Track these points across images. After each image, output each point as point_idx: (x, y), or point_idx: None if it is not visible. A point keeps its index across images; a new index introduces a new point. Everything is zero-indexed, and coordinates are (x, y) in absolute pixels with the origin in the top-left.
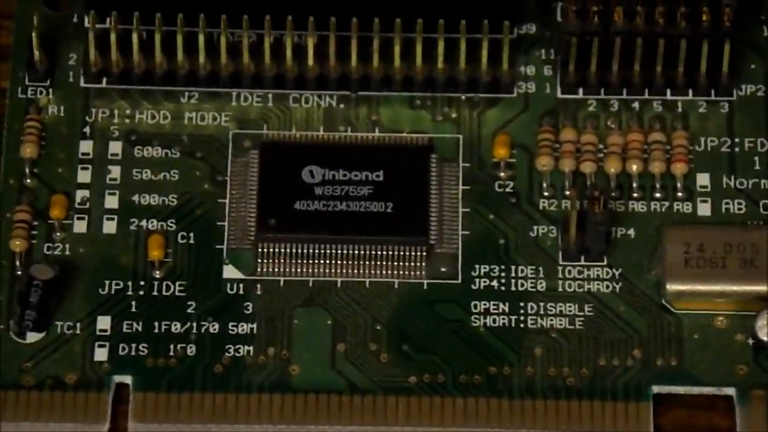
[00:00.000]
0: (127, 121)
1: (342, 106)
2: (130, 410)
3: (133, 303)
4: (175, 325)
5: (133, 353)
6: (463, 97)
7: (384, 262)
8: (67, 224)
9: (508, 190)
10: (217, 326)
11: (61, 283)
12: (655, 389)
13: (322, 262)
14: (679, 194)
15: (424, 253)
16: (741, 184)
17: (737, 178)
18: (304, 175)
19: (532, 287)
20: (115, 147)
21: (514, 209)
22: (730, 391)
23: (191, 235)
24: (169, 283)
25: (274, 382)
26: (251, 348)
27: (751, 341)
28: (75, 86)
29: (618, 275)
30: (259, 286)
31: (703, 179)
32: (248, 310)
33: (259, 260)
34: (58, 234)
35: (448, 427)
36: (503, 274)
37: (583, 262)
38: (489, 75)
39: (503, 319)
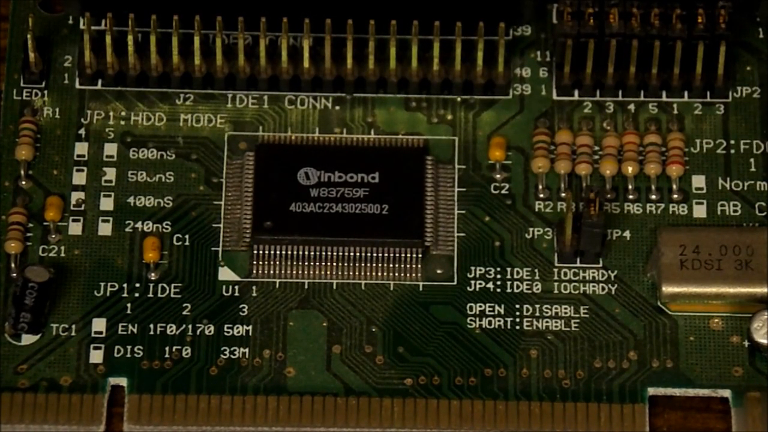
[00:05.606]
0: (122, 122)
1: (337, 107)
2: (126, 412)
3: (129, 305)
4: (171, 327)
5: (128, 355)
6: (459, 99)
7: (379, 264)
8: (63, 226)
9: (503, 192)
10: (212, 328)
11: (56, 285)
12: (651, 391)
13: (317, 263)
14: (675, 196)
15: (420, 255)
16: (736, 185)
17: (732, 179)
18: (300, 177)
19: (527, 289)
20: (110, 149)
21: (509, 211)
22: (726, 392)
23: (186, 237)
24: (164, 285)
25: (269, 384)
26: (246, 350)
27: (746, 343)
28: (70, 88)
29: (613, 277)
30: (254, 288)
31: (698, 181)
32: (243, 312)
33: (255, 262)
34: (53, 236)
35: (443, 429)
36: (499, 276)
37: (578, 264)
38: (484, 77)
39: (499, 321)
